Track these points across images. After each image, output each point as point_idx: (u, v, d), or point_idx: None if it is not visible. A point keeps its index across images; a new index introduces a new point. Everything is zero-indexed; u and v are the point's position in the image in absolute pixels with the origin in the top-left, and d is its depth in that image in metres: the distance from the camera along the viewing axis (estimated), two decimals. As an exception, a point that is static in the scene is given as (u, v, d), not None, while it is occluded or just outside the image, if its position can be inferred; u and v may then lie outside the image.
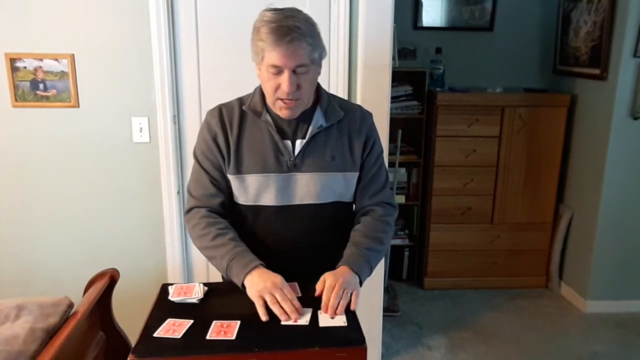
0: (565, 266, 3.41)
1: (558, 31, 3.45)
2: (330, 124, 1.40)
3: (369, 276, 1.39)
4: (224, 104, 1.45)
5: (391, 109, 2.33)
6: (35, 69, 2.16)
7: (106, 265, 1.82)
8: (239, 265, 1.29)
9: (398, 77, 3.21)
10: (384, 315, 2.54)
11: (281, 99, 1.31)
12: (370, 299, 2.44)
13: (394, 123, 2.57)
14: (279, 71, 1.27)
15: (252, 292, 1.24)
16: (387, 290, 3.07)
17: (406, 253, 3.58)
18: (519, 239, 3.43)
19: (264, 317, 1.18)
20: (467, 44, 3.54)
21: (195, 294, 1.29)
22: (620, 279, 3.13)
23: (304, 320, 1.17)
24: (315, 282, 1.30)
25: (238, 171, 1.39)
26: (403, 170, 3.44)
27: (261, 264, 1.30)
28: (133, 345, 1.10)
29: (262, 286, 1.23)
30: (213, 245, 1.35)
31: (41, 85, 2.18)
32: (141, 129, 2.26)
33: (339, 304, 1.22)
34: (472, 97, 3.24)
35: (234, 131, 1.39)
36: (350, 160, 1.42)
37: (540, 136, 3.27)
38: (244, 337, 1.12)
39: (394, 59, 2.54)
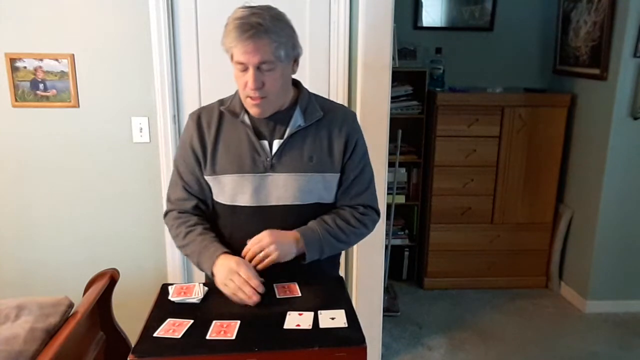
0: (565, 266, 3.41)
1: (558, 31, 3.45)
2: (309, 123, 1.39)
3: (317, 258, 1.39)
4: (204, 107, 1.46)
5: (391, 109, 2.33)
6: (35, 69, 2.16)
7: (106, 265, 1.83)
8: (205, 257, 1.34)
9: (398, 77, 3.21)
10: (384, 315, 2.54)
11: (249, 96, 1.31)
12: (370, 299, 2.44)
13: (394, 123, 2.57)
14: (244, 68, 1.28)
15: (217, 284, 1.30)
16: (387, 290, 3.07)
17: (406, 253, 3.58)
18: (519, 239, 3.43)
19: (239, 300, 1.25)
20: (467, 44, 3.54)
21: (195, 294, 1.30)
22: (620, 279, 3.13)
23: (307, 324, 1.17)
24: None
25: (213, 172, 1.40)
26: (403, 170, 3.44)
27: (224, 251, 1.33)
28: (133, 345, 1.10)
29: (223, 275, 1.28)
30: (185, 243, 1.40)
31: (41, 85, 2.18)
32: (141, 129, 2.26)
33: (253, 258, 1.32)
34: (472, 97, 3.24)
35: (211, 133, 1.40)
36: (330, 162, 1.40)
37: (540, 136, 3.27)
38: (244, 337, 1.12)
39: (394, 59, 2.53)
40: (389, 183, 2.70)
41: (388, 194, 2.56)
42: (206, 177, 1.42)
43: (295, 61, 1.36)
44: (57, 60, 2.16)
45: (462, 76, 3.50)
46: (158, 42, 2.16)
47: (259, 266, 1.31)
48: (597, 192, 3.03)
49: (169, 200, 1.49)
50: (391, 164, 2.90)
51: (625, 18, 2.76)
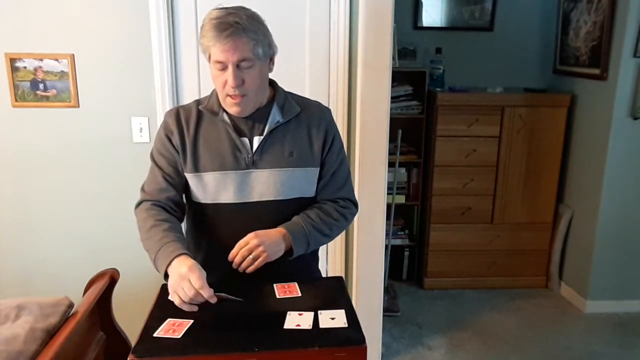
0: (565, 266, 3.41)
1: (558, 31, 3.45)
2: (288, 119, 1.42)
3: (303, 253, 1.39)
4: (182, 106, 1.47)
5: (391, 109, 2.33)
6: (35, 69, 2.16)
7: (106, 265, 1.83)
8: (163, 256, 1.25)
9: (398, 77, 3.21)
10: (384, 315, 2.54)
11: (229, 95, 1.33)
12: (370, 299, 2.44)
13: (394, 123, 2.57)
14: (224, 67, 1.29)
15: (170, 289, 1.21)
16: (387, 290, 3.07)
17: (406, 253, 3.58)
18: (519, 239, 3.43)
19: (186, 308, 1.17)
20: (467, 44, 3.54)
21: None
22: (620, 279, 3.13)
23: (307, 324, 1.17)
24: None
25: (196, 169, 1.40)
26: (403, 170, 3.44)
27: (184, 253, 1.23)
28: (133, 345, 1.10)
29: (173, 281, 1.18)
30: (148, 236, 1.33)
31: (41, 85, 2.18)
32: (141, 129, 2.26)
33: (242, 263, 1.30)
34: (472, 97, 3.24)
35: (190, 131, 1.41)
36: (310, 156, 1.43)
37: (540, 136, 3.27)
38: (244, 337, 1.12)
39: (394, 59, 2.53)
40: (389, 183, 2.70)
41: (388, 194, 2.55)
42: (187, 175, 1.42)
43: (271, 60, 1.39)
44: (57, 60, 2.16)
45: (462, 76, 3.50)
46: (158, 42, 2.16)
47: (250, 269, 1.30)
48: (597, 192, 3.03)
49: (143, 191, 1.45)
50: (391, 164, 2.90)
51: (625, 18, 2.77)
